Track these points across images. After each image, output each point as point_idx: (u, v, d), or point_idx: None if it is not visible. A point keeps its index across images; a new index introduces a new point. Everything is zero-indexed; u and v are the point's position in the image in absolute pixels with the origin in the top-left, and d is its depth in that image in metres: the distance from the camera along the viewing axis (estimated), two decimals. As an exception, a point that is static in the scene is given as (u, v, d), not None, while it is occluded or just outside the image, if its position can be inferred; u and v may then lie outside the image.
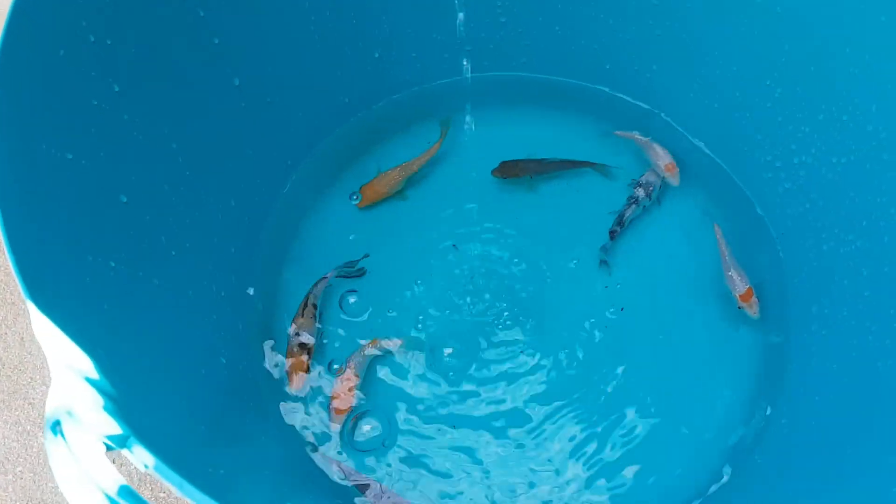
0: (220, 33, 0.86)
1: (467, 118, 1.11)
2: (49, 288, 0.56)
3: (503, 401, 0.94)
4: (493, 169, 1.06)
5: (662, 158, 1.04)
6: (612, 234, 1.02)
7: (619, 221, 1.03)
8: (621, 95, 1.11)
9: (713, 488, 0.88)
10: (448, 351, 0.96)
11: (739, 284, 0.95)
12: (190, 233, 0.85)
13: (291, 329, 0.95)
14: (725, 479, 0.88)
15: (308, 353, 0.93)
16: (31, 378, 1.07)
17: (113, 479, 0.42)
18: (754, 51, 0.94)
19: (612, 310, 0.99)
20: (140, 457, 0.48)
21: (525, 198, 1.07)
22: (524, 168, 1.06)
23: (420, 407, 0.93)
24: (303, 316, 0.95)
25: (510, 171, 1.06)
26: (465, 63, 1.10)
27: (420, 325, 0.98)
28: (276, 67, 0.95)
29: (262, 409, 0.90)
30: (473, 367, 0.96)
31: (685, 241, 1.04)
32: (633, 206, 1.03)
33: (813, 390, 0.88)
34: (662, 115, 1.10)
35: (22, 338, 1.09)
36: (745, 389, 0.95)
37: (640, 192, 1.04)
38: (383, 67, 1.07)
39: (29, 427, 1.04)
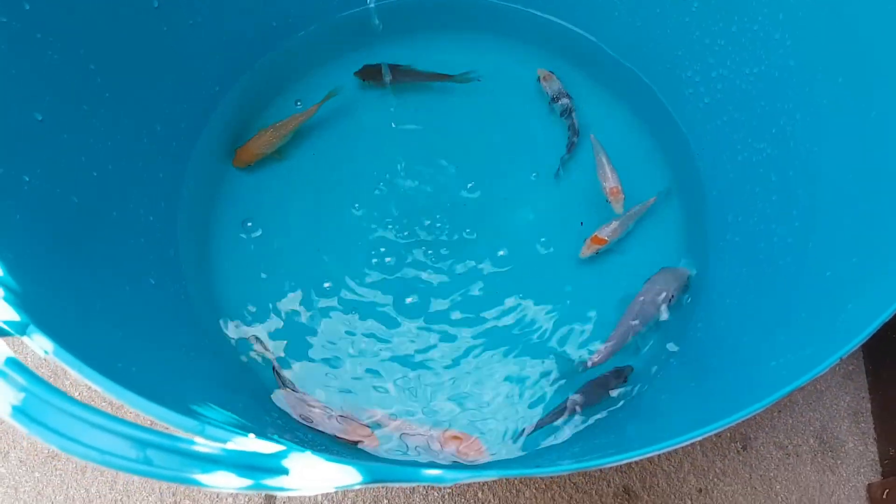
0: (135, -49, 0.86)
1: (391, 42, 1.12)
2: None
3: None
4: (356, 70, 1.09)
5: (609, 181, 1.00)
6: (571, 146, 1.06)
7: (574, 132, 1.06)
8: (547, 16, 1.12)
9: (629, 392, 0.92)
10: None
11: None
12: (112, 155, 0.85)
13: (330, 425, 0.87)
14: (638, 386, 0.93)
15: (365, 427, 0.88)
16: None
17: (1, 353, 0.44)
18: (672, -35, 0.95)
19: (544, 238, 1.02)
20: (39, 343, 0.50)
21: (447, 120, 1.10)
22: (383, 73, 1.08)
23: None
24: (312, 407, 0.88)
25: (370, 74, 1.09)
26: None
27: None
28: (196, -11, 0.95)
29: (196, 327, 0.92)
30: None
31: (613, 161, 1.06)
32: (572, 113, 1.07)
33: (725, 293, 0.91)
34: (589, 35, 1.11)
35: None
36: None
37: (566, 101, 1.07)
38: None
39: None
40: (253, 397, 0.89)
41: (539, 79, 1.10)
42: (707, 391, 0.75)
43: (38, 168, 0.72)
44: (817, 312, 0.69)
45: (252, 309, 0.97)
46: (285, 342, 0.95)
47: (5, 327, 0.49)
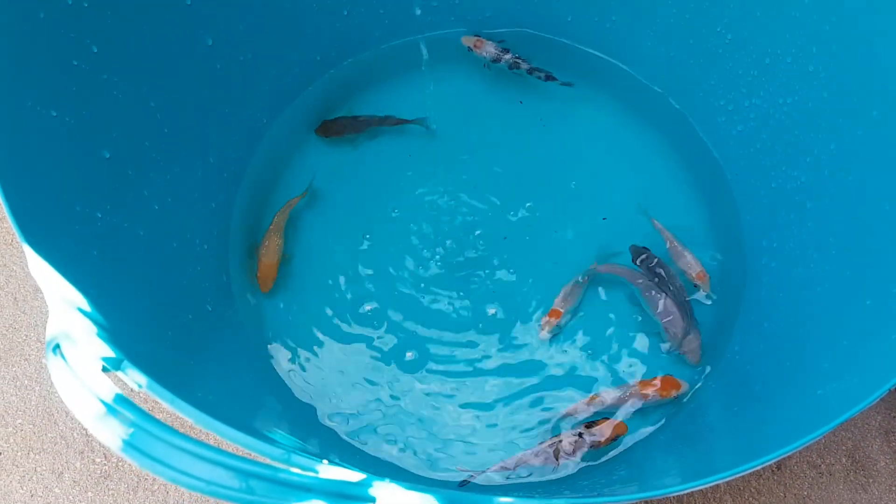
0: (192, -7, 0.90)
1: (430, 74, 1.15)
2: (41, 232, 0.61)
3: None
4: (315, 128, 1.11)
5: (693, 268, 1.01)
6: (548, 76, 1.10)
7: (539, 71, 1.10)
8: (581, 46, 1.15)
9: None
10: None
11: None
12: (171, 188, 0.89)
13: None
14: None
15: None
16: (26, 336, 1.12)
17: (109, 389, 0.47)
18: (705, -1, 0.99)
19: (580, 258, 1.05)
20: (133, 377, 0.53)
21: (480, 155, 1.13)
22: (343, 126, 1.11)
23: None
24: None
25: (331, 129, 1.10)
26: (427, 18, 1.13)
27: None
28: (247, 26, 0.98)
29: (250, 353, 0.95)
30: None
31: (648, 188, 1.09)
32: (521, 61, 1.11)
33: (763, 317, 0.94)
34: (622, 65, 1.14)
35: (15, 298, 1.14)
36: (707, 326, 1.02)
37: (508, 56, 1.10)
38: (352, 24, 1.10)
39: (26, 381, 1.09)
40: (300, 419, 0.92)
41: (470, 48, 1.11)
42: (752, 417, 0.78)
43: (108, 204, 0.76)
44: (860, 341, 0.71)
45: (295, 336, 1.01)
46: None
47: (105, 364, 0.52)
